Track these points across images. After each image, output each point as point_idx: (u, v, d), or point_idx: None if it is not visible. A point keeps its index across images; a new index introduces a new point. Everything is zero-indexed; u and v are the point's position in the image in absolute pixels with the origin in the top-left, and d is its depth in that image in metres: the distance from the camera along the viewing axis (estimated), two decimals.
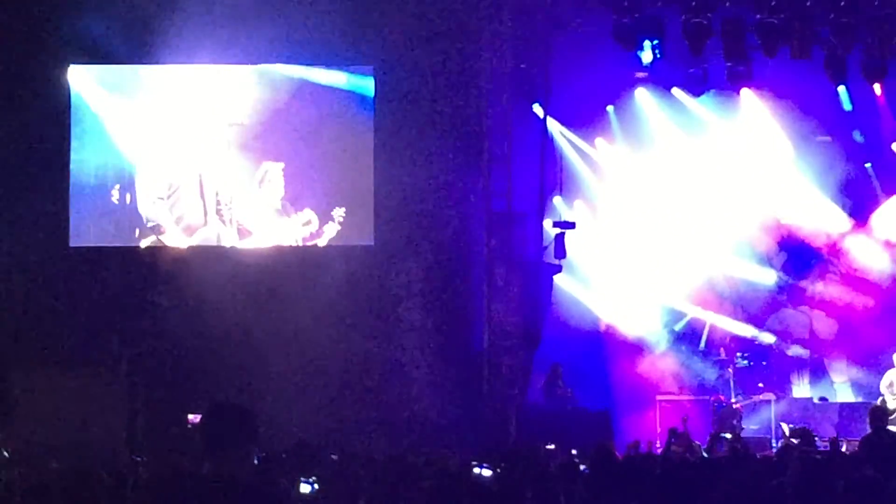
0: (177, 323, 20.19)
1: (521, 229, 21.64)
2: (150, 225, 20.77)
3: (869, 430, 15.78)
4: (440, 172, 20.93)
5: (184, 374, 19.74)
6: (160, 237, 20.79)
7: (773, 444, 20.86)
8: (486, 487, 8.59)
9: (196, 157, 20.80)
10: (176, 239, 20.68)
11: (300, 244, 20.95)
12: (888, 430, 17.07)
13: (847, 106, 23.06)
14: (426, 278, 20.92)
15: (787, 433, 20.62)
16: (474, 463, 11.05)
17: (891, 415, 20.97)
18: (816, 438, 17.44)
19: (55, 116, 20.76)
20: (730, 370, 23.01)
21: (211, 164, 20.83)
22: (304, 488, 7.90)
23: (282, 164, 20.91)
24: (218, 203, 20.71)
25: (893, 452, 13.30)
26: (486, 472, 10.43)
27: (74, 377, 19.49)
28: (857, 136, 23.36)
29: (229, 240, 20.66)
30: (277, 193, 20.96)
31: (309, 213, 20.89)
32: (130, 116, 20.82)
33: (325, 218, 21.00)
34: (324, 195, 21.02)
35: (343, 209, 20.92)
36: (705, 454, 17.47)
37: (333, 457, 12.54)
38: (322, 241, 20.98)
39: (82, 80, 20.81)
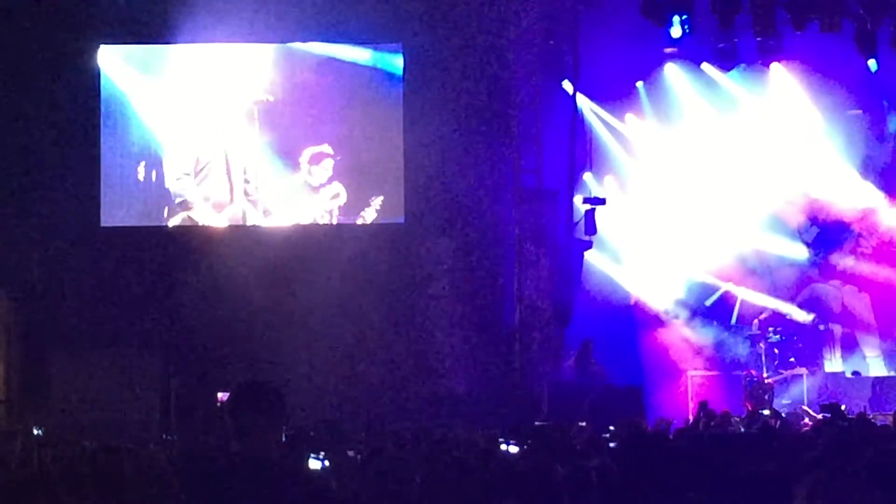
0: (207, 302, 20.28)
1: (552, 206, 21.64)
2: (178, 202, 20.83)
3: None
4: (470, 150, 20.93)
5: (214, 352, 19.83)
6: (189, 214, 20.85)
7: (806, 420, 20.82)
8: (513, 463, 8.61)
9: (222, 134, 20.84)
10: (205, 216, 20.73)
11: (330, 220, 20.95)
12: None
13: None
14: (457, 255, 20.95)
15: (812, 414, 20.60)
16: (501, 439, 11.06)
17: None
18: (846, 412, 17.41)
19: (85, 97, 20.84)
20: (761, 345, 22.96)
21: (237, 140, 20.86)
22: (314, 464, 7.92)
23: (325, 148, 20.87)
24: (245, 181, 20.75)
25: None
26: (514, 449, 10.44)
27: (107, 357, 19.62)
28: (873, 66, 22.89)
29: (255, 217, 20.70)
30: (316, 175, 20.94)
31: (337, 186, 20.90)
32: (157, 94, 20.89)
33: (357, 196, 21.01)
34: (354, 172, 21.02)
35: (381, 198, 20.91)
36: (742, 430, 17.46)
37: (361, 434, 12.58)
38: (359, 221, 20.96)
39: (110, 60, 20.88)
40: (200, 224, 20.78)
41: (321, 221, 20.89)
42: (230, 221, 20.80)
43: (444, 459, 8.09)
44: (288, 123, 20.98)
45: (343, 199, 20.83)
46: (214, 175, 20.81)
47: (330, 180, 20.88)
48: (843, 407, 17.37)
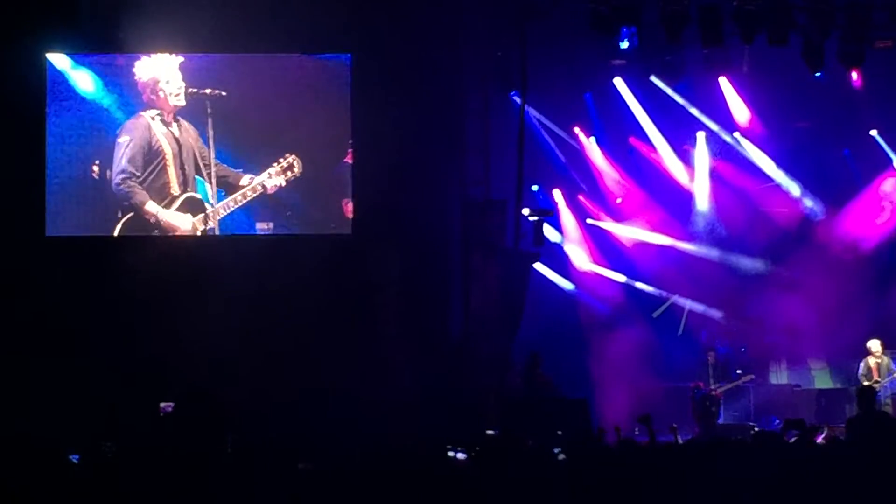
0: (151, 311, 20.08)
1: (499, 217, 21.59)
2: (127, 203, 20.61)
3: (856, 412, 15.74)
4: (418, 161, 20.85)
5: (157, 363, 19.61)
6: (140, 211, 20.61)
7: (753, 431, 20.86)
8: (461, 471, 8.55)
9: (173, 129, 20.64)
10: (156, 210, 20.53)
11: (275, 229, 20.79)
12: (876, 410, 17.18)
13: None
14: (404, 267, 20.85)
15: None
16: (448, 447, 10.99)
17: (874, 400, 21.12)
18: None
19: (30, 102, 20.59)
20: (710, 356, 23.01)
21: (192, 131, 20.68)
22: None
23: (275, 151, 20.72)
24: (197, 166, 20.56)
25: (881, 431, 13.25)
26: (461, 456, 10.38)
27: (48, 368, 19.40)
28: None
29: (211, 198, 20.52)
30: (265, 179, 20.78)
31: (291, 157, 20.74)
32: (109, 93, 20.67)
33: (304, 206, 20.89)
34: (301, 181, 20.87)
35: (328, 208, 20.79)
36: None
37: (299, 466, 12.41)
38: (307, 231, 20.80)
39: (60, 61, 20.66)
40: (153, 218, 20.53)
41: (267, 229, 20.74)
42: (183, 211, 20.56)
43: (392, 468, 8.02)
44: (240, 122, 20.77)
45: (298, 169, 20.68)
46: (170, 168, 20.62)
47: (278, 186, 20.73)
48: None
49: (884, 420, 15.26)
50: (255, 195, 20.67)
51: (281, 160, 20.66)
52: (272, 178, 20.65)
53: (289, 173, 20.68)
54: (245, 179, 20.64)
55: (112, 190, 20.57)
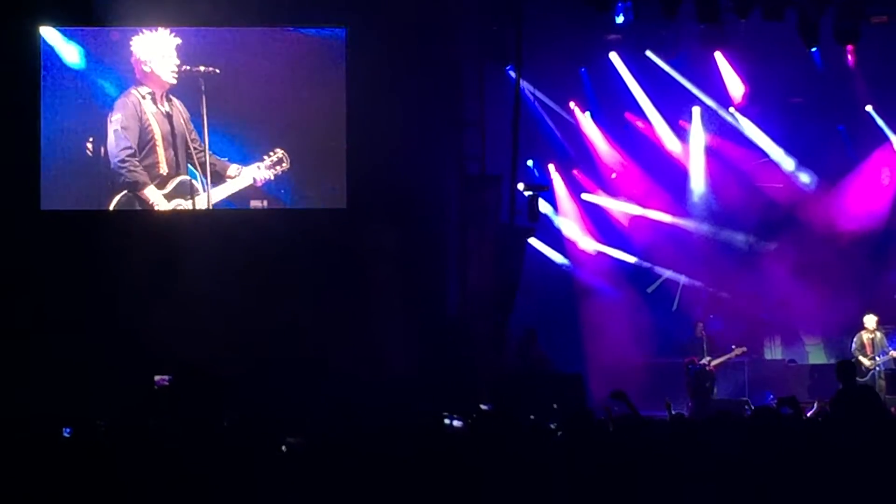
0: (145, 286, 20.04)
1: (495, 192, 21.57)
2: (122, 181, 20.58)
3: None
4: (414, 136, 20.80)
5: (152, 337, 19.57)
6: (135, 191, 20.58)
7: (749, 408, 20.88)
8: (459, 438, 8.56)
9: (167, 106, 20.59)
10: (150, 191, 20.49)
11: (272, 204, 20.75)
12: (858, 384, 17.22)
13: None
14: (399, 242, 20.83)
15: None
16: (445, 414, 11.00)
17: (863, 375, 21.15)
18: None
19: (24, 77, 20.53)
20: (703, 332, 22.98)
21: (184, 112, 20.63)
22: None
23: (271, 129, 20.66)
24: (188, 150, 20.51)
25: (863, 405, 13.25)
26: (457, 423, 10.40)
27: (43, 342, 19.38)
28: None
29: (201, 197, 20.48)
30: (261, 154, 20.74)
31: (280, 152, 20.69)
32: (102, 68, 20.60)
33: (300, 181, 20.85)
34: (296, 156, 20.81)
35: (324, 183, 20.75)
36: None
37: (290, 440, 12.40)
38: (302, 206, 20.76)
39: (53, 35, 20.58)
40: (147, 199, 20.49)
41: (261, 206, 20.70)
42: (175, 195, 20.53)
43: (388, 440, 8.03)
44: (234, 98, 20.71)
45: (287, 163, 20.63)
46: (159, 147, 20.56)
47: (266, 179, 20.69)
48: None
49: (866, 394, 15.28)
50: (244, 186, 20.63)
51: (271, 154, 20.59)
52: (261, 171, 20.59)
53: (278, 168, 20.62)
54: (233, 170, 20.56)
55: (110, 167, 20.50)
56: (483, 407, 17.07)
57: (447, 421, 10.51)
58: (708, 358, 22.46)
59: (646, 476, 9.58)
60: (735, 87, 23.96)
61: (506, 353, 21.46)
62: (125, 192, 20.50)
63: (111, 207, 20.49)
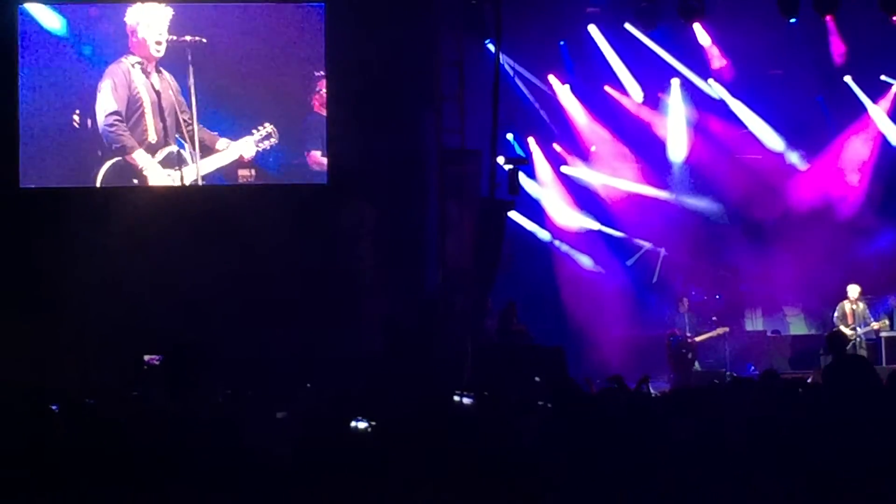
0: (130, 264, 19.98)
1: (474, 166, 21.52)
2: (112, 147, 20.48)
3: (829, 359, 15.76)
4: (393, 110, 20.77)
5: (139, 315, 19.53)
6: (125, 157, 20.49)
7: (728, 377, 20.94)
8: (469, 415, 8.54)
9: (154, 75, 20.51)
10: (140, 155, 20.41)
11: (255, 178, 20.69)
12: (849, 354, 17.23)
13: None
14: (379, 217, 20.80)
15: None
16: (456, 392, 11.01)
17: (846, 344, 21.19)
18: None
19: (1, 50, 20.39)
20: (687, 308, 23.02)
21: (173, 83, 20.55)
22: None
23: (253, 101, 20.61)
24: (177, 121, 20.44)
25: (857, 373, 13.22)
26: (467, 401, 10.40)
27: (28, 321, 19.31)
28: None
29: (190, 167, 20.41)
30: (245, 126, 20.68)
31: (269, 127, 20.65)
32: (89, 40, 20.49)
33: (280, 156, 20.81)
34: (277, 130, 20.77)
35: (304, 158, 20.71)
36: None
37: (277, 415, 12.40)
38: (282, 181, 20.72)
39: (36, 8, 20.43)
40: (137, 165, 20.40)
41: (249, 177, 20.64)
42: (164, 165, 20.44)
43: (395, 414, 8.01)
44: (222, 70, 20.63)
45: (275, 138, 20.60)
46: (147, 115, 20.47)
47: (263, 138, 20.64)
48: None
49: (859, 362, 15.28)
50: (232, 160, 20.59)
51: (260, 128, 20.55)
52: (249, 146, 20.55)
53: (266, 143, 20.59)
54: (222, 143, 20.52)
55: (98, 134, 20.39)
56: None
57: (457, 398, 10.51)
58: (691, 334, 22.53)
59: (632, 444, 9.57)
60: (714, 58, 23.94)
61: (487, 327, 21.45)
62: (115, 158, 20.41)
63: (100, 177, 20.41)
